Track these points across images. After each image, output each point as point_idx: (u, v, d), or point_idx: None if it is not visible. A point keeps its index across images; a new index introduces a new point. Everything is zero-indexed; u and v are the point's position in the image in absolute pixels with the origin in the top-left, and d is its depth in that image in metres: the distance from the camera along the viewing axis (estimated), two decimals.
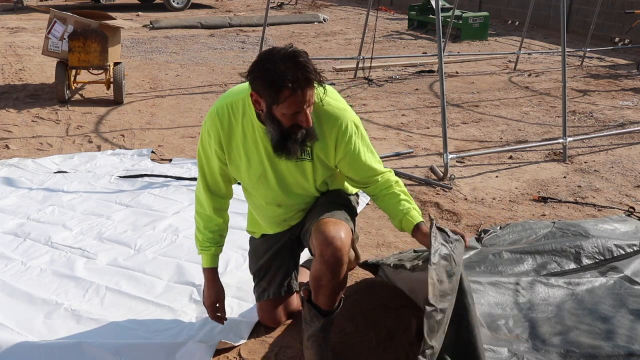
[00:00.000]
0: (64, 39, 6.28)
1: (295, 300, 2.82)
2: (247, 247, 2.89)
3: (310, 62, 2.17)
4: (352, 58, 8.30)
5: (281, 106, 2.19)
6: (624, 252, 2.96)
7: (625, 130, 5.86)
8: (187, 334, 2.69)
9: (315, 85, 2.21)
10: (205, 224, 2.61)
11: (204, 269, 2.65)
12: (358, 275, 3.22)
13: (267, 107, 2.23)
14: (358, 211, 2.81)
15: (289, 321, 2.83)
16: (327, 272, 2.34)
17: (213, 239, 2.62)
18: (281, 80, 2.14)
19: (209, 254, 2.63)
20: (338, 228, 2.37)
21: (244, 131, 2.41)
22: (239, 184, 2.62)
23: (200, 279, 3.08)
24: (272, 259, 2.74)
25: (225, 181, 2.57)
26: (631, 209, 3.88)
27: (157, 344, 2.58)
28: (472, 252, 2.90)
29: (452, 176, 4.57)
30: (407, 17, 12.85)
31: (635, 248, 3.00)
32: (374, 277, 3.05)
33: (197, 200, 2.63)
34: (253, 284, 2.81)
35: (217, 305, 2.64)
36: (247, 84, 2.30)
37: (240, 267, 3.21)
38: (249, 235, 2.85)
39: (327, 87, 2.37)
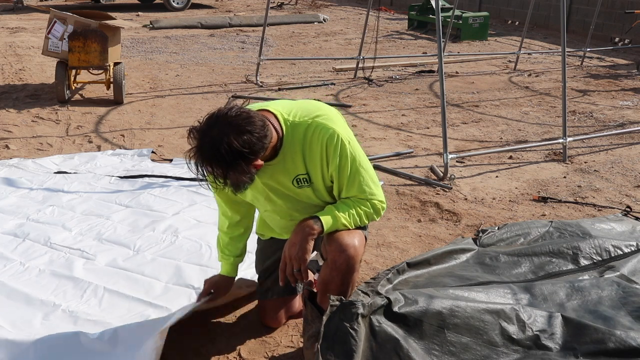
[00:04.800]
0: (64, 39, 6.28)
1: (297, 302, 2.82)
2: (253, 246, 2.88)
3: (215, 158, 2.10)
4: (352, 58, 8.30)
5: None
6: (621, 252, 2.96)
7: (625, 130, 5.86)
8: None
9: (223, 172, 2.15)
10: (225, 235, 2.71)
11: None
12: (358, 275, 3.21)
13: None
14: None
15: (289, 321, 2.83)
16: (337, 278, 2.35)
17: (232, 246, 2.71)
18: (192, 130, 2.15)
19: (227, 262, 2.72)
20: (352, 235, 2.37)
21: None
22: None
23: (198, 281, 3.08)
24: (279, 260, 2.73)
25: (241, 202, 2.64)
26: (627, 209, 3.88)
27: (150, 322, 2.60)
28: (469, 255, 2.89)
29: (452, 176, 4.57)
30: (407, 17, 12.86)
31: (632, 248, 3.00)
32: (373, 278, 3.05)
33: (220, 219, 2.73)
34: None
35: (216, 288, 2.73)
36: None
37: (240, 267, 3.20)
38: (257, 235, 2.86)
39: (325, 107, 2.40)
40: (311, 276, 3.01)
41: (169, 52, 9.70)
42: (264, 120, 2.21)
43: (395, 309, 2.21)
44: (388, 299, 2.23)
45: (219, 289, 2.73)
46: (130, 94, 7.01)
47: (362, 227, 2.52)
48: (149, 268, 3.21)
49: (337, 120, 2.39)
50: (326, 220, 2.34)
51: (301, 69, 8.63)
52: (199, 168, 2.16)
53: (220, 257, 2.75)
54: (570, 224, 3.22)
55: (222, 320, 2.87)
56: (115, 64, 6.51)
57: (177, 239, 3.52)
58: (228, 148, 2.08)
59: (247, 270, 3.17)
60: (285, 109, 2.38)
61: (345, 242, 2.34)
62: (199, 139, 2.13)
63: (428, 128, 5.99)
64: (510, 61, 9.37)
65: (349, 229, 2.40)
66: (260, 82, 7.60)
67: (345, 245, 2.33)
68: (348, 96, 7.14)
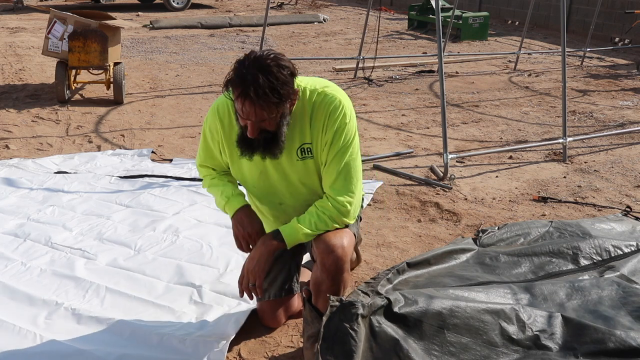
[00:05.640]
0: (64, 39, 6.29)
1: (296, 302, 2.82)
2: None
3: (270, 81, 2.13)
4: (352, 58, 8.30)
5: (234, 102, 2.23)
6: (621, 252, 2.96)
7: (625, 130, 5.87)
8: (187, 331, 2.69)
9: (271, 106, 2.18)
10: (219, 179, 2.59)
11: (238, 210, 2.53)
12: (358, 275, 3.22)
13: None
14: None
15: (289, 321, 2.83)
16: (327, 280, 2.35)
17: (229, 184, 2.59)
18: (233, 79, 2.16)
19: (239, 197, 2.54)
20: (340, 236, 2.37)
21: None
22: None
23: (200, 280, 3.08)
24: (274, 261, 2.73)
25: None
26: (627, 209, 3.88)
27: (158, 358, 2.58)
28: (469, 255, 2.90)
29: (452, 176, 4.57)
30: (407, 17, 12.86)
31: (632, 248, 3.00)
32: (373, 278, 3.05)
33: (202, 167, 2.64)
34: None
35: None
36: None
37: (241, 268, 3.20)
38: None
39: (331, 84, 2.44)
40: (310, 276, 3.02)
41: (169, 52, 9.70)
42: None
43: (395, 309, 2.21)
44: (388, 299, 2.23)
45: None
46: (130, 94, 7.01)
47: (356, 223, 2.52)
48: (150, 267, 3.21)
49: (344, 96, 2.44)
50: (285, 233, 2.37)
51: (301, 69, 8.57)
52: (246, 99, 2.14)
53: (224, 191, 2.55)
54: (570, 224, 3.23)
55: None
56: (115, 64, 6.51)
57: (178, 239, 3.52)
58: (278, 69, 2.15)
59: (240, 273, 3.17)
60: (298, 78, 2.41)
61: (332, 242, 2.34)
62: (243, 76, 2.13)
63: (428, 128, 5.99)
64: (510, 61, 9.37)
65: (338, 229, 2.40)
66: None
67: (332, 246, 2.33)
68: (348, 96, 7.13)
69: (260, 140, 2.27)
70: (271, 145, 2.29)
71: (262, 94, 2.12)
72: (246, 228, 2.49)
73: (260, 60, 2.15)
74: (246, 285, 2.40)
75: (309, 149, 2.40)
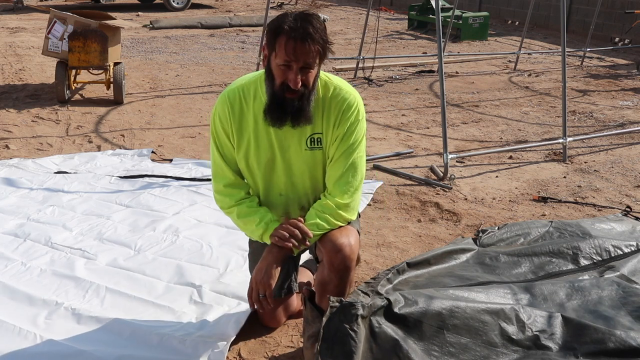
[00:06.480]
0: (64, 39, 6.29)
1: (295, 302, 2.82)
2: (247, 248, 2.88)
3: (319, 26, 2.22)
4: (352, 58, 8.30)
5: (276, 55, 2.24)
6: (621, 252, 2.96)
7: (625, 130, 5.87)
8: (187, 331, 2.69)
9: (319, 51, 2.24)
10: (249, 207, 2.48)
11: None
12: (358, 275, 3.22)
13: (268, 59, 2.30)
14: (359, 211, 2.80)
15: (289, 321, 2.83)
16: (335, 279, 2.35)
17: (262, 209, 2.49)
18: (281, 25, 2.21)
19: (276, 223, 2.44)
20: (346, 234, 2.37)
21: (255, 115, 2.42)
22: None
23: (199, 279, 3.08)
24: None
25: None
26: (627, 209, 3.88)
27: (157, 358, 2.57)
28: (469, 255, 2.89)
29: (452, 176, 4.57)
30: (407, 17, 12.86)
31: (632, 248, 3.00)
32: (373, 278, 3.05)
33: (222, 194, 2.51)
34: None
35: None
36: (261, 71, 2.38)
37: (241, 268, 3.21)
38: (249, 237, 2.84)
39: (344, 81, 2.48)
40: (310, 276, 3.01)
41: (169, 52, 9.70)
42: None
43: (395, 309, 2.21)
44: (388, 299, 2.23)
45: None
46: (130, 94, 7.01)
47: (355, 220, 2.52)
48: (150, 267, 3.21)
49: (358, 95, 2.46)
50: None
51: None
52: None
53: (263, 217, 2.45)
54: (570, 224, 3.22)
55: None
56: (115, 64, 6.51)
57: (178, 239, 3.52)
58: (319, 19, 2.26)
59: (240, 273, 3.17)
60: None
61: (340, 242, 2.34)
62: (293, 23, 2.21)
63: (428, 128, 5.99)
64: (510, 61, 9.37)
65: (345, 227, 2.41)
66: None
67: (340, 245, 2.33)
68: None
69: (294, 100, 2.28)
70: (302, 108, 2.30)
71: (318, 30, 2.21)
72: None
73: (303, 13, 2.25)
74: (256, 297, 2.37)
75: (319, 139, 2.42)
